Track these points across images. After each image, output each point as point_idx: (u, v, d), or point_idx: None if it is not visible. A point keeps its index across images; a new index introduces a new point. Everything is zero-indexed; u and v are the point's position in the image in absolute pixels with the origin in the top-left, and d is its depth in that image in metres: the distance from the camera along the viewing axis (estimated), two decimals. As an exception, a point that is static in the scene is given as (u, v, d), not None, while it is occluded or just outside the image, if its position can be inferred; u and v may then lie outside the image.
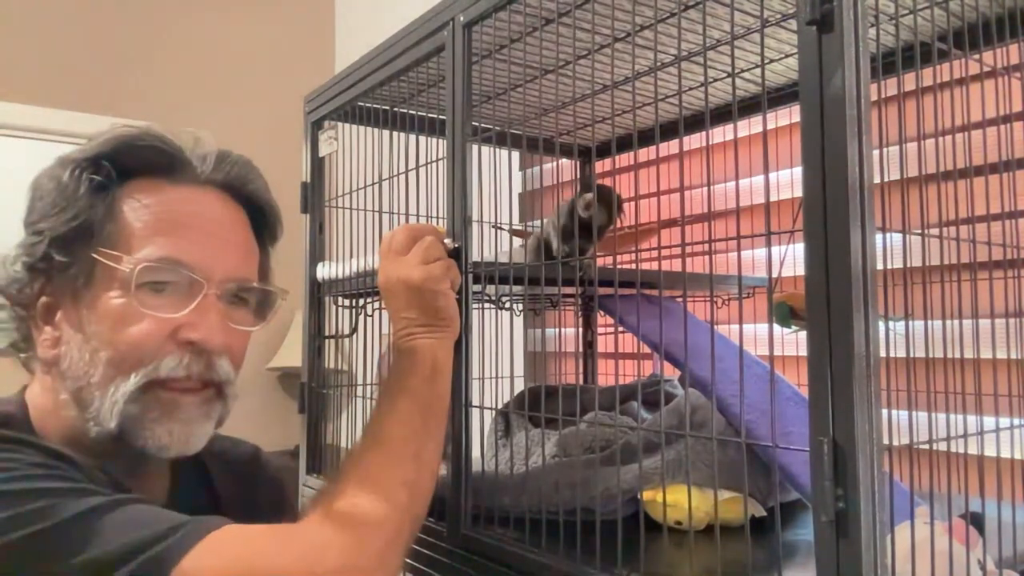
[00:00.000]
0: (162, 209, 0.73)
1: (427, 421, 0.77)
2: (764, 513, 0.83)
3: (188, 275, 0.71)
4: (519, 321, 1.34)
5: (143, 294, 0.70)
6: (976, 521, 0.64)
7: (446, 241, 0.89)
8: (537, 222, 1.22)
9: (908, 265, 0.64)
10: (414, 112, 1.16)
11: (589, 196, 0.94)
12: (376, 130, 1.18)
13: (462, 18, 0.90)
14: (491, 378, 0.98)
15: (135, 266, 0.70)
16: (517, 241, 1.22)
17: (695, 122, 1.15)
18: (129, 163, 0.74)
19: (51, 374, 0.74)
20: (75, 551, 0.58)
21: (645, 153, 1.37)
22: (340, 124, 1.22)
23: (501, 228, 1.09)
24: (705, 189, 0.77)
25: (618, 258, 0.97)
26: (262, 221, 0.84)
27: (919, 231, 0.63)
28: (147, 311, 0.69)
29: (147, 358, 0.69)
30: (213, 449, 0.89)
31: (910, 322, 0.62)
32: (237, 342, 0.76)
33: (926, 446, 0.60)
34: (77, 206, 0.71)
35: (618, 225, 1.02)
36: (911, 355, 0.61)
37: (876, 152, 0.54)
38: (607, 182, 1.48)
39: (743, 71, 1.02)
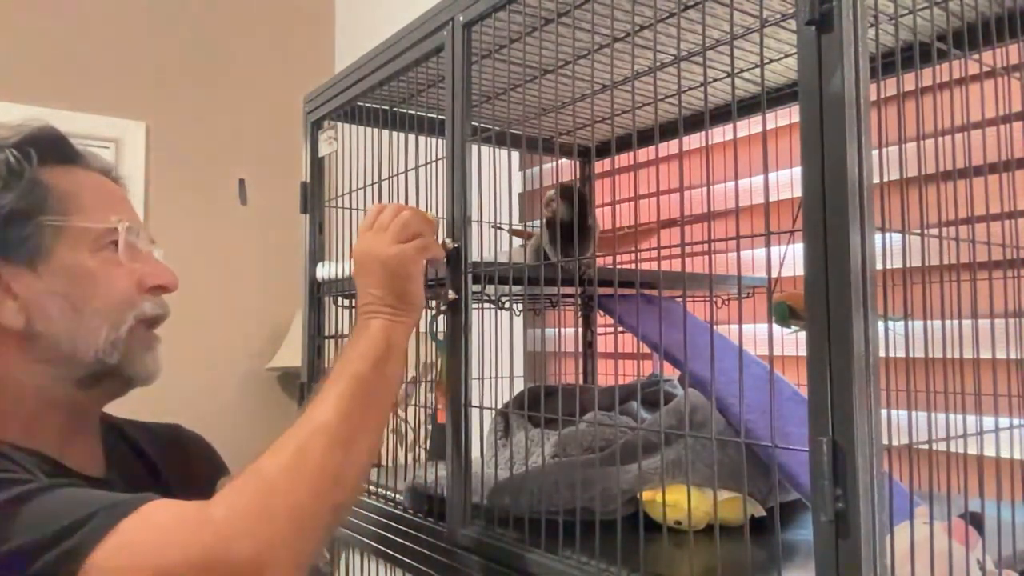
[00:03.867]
0: (93, 184, 0.83)
1: (367, 407, 0.76)
2: (764, 513, 0.83)
3: (140, 235, 0.83)
4: (519, 321, 1.34)
5: (109, 252, 0.79)
6: (976, 521, 0.64)
7: (446, 241, 0.89)
8: (537, 222, 1.22)
9: (908, 265, 0.64)
10: (414, 112, 1.16)
11: (549, 193, 0.95)
12: (376, 130, 1.18)
13: (462, 18, 0.90)
14: (491, 378, 0.98)
15: (117, 227, 0.80)
16: (517, 241, 1.22)
17: (695, 122, 1.15)
18: (43, 150, 0.80)
19: (6, 344, 0.77)
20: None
21: (645, 153, 1.37)
22: (340, 124, 1.22)
23: (501, 228, 1.09)
24: (705, 189, 0.77)
25: (618, 258, 0.97)
26: None
27: (919, 231, 0.63)
28: (125, 265, 0.80)
29: (129, 304, 0.80)
30: (136, 428, 0.94)
31: (910, 322, 0.62)
32: None
33: (925, 446, 0.60)
34: (14, 184, 0.77)
35: (595, 221, 1.03)
36: (911, 355, 0.61)
37: (875, 152, 0.54)
38: (607, 182, 1.49)
39: (743, 71, 1.02)
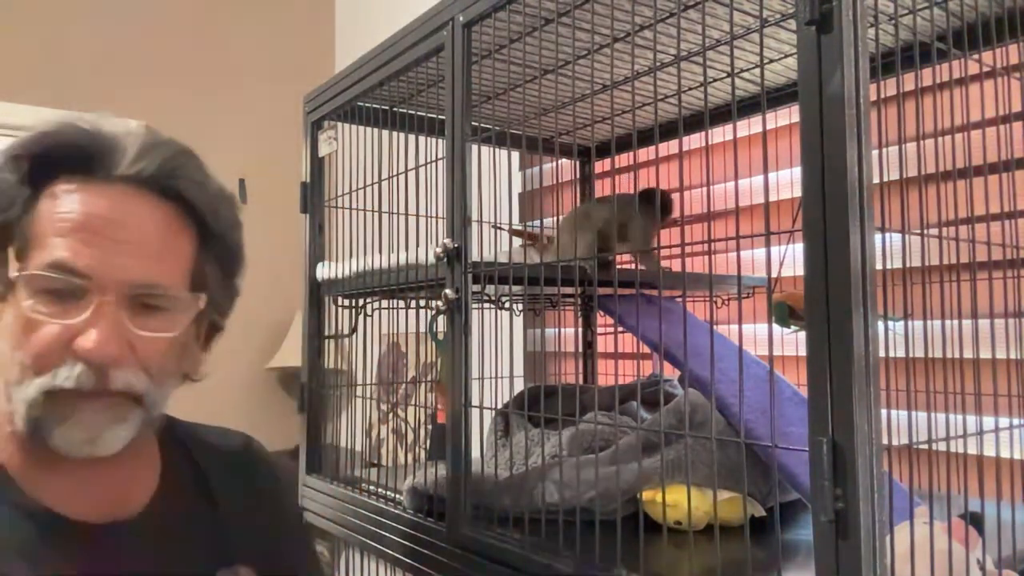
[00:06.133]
0: (68, 210, 0.68)
1: None
2: (764, 513, 0.83)
3: (77, 282, 0.66)
4: (519, 321, 1.34)
5: (42, 299, 0.66)
6: (975, 521, 0.64)
7: (445, 241, 0.89)
8: (536, 222, 1.22)
9: (908, 265, 0.64)
10: (413, 112, 1.16)
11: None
12: (376, 130, 1.18)
13: (461, 18, 0.90)
14: (491, 378, 0.98)
15: (20, 273, 0.66)
16: (517, 241, 1.22)
17: (695, 122, 1.15)
18: (51, 160, 0.70)
19: None
20: None
21: (645, 153, 1.37)
22: (340, 124, 1.22)
23: (501, 228, 1.09)
24: (705, 189, 0.77)
25: (618, 258, 0.97)
26: (197, 217, 0.75)
27: (918, 231, 0.63)
28: (42, 318, 0.66)
29: (48, 365, 0.66)
30: (202, 441, 0.85)
31: (909, 322, 0.62)
32: (146, 350, 0.69)
33: (925, 446, 0.60)
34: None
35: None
36: (911, 355, 0.61)
37: (875, 152, 0.54)
38: (607, 182, 1.49)
39: (742, 71, 1.02)
